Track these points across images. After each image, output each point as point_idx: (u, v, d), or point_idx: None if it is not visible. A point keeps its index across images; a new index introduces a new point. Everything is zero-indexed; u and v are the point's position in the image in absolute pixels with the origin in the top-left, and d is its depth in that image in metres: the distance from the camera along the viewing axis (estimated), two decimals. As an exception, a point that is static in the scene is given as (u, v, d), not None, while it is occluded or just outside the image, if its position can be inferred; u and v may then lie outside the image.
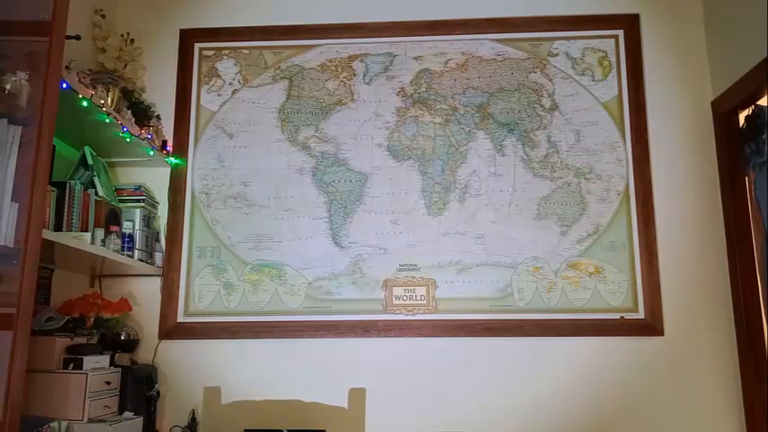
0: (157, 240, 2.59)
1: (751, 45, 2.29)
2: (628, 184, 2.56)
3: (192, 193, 2.64)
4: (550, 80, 2.66)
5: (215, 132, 2.69)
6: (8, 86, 1.57)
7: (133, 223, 2.43)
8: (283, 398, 2.46)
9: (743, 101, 2.39)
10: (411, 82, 2.68)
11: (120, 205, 2.42)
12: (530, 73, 2.67)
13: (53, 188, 1.97)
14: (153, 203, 2.58)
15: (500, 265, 2.51)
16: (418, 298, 2.51)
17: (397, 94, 2.68)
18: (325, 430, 2.38)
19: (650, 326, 2.43)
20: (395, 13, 2.73)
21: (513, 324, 2.45)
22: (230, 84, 2.73)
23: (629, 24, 2.68)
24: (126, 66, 2.62)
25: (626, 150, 2.58)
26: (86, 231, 2.09)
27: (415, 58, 2.71)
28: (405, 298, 2.51)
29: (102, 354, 2.19)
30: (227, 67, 2.75)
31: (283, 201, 2.61)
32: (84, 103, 2.04)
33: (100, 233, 2.17)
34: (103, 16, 2.59)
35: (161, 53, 2.76)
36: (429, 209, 2.58)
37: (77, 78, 2.02)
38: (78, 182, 2.15)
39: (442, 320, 2.48)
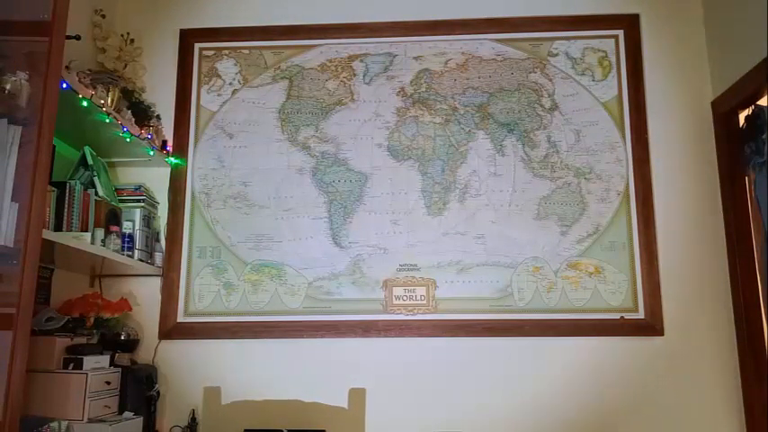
0: (157, 240, 2.59)
1: (751, 45, 2.29)
2: (628, 184, 2.55)
3: (192, 193, 2.64)
4: (550, 80, 2.66)
5: (215, 132, 2.69)
6: (8, 86, 1.57)
7: (133, 223, 2.43)
8: (283, 398, 2.46)
9: (743, 101, 2.39)
10: (411, 82, 2.68)
11: (120, 205, 2.42)
12: (530, 73, 2.67)
13: (53, 188, 1.97)
14: (153, 203, 2.58)
15: (500, 265, 2.51)
16: (418, 298, 2.51)
17: (397, 94, 2.68)
18: (326, 430, 2.38)
19: (650, 326, 2.43)
20: (395, 13, 2.73)
21: (513, 324, 2.45)
22: (230, 84, 2.73)
23: (629, 24, 2.68)
24: (126, 66, 2.62)
25: (626, 150, 2.58)
26: (86, 231, 2.09)
27: (415, 58, 2.71)
28: (405, 298, 2.51)
29: (102, 354, 2.19)
30: (227, 67, 2.75)
31: (283, 201, 2.61)
32: (84, 103, 2.04)
33: (100, 233, 2.17)
34: (103, 16, 2.59)
35: (161, 53, 2.76)
36: (429, 209, 2.58)
37: (77, 78, 2.02)
38: (78, 182, 2.15)
39: (441, 320, 2.48)
